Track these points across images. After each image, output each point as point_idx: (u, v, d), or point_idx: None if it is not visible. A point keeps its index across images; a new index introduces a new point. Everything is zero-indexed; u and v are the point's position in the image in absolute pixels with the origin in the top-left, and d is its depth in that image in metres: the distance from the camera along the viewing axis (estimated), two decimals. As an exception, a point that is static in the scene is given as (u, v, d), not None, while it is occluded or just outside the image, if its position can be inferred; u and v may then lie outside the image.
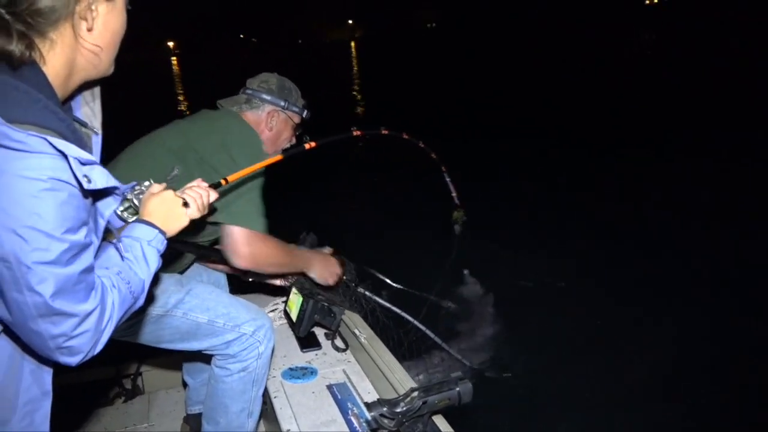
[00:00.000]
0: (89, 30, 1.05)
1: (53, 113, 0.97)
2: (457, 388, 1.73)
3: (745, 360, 3.60)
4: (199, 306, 1.95)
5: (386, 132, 2.40)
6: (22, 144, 0.87)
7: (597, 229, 5.74)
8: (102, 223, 1.07)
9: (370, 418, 1.74)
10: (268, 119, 2.21)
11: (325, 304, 2.56)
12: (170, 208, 1.29)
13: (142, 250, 1.18)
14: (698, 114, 10.27)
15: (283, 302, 2.87)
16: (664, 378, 3.49)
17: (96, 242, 1.06)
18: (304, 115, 2.31)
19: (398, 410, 1.64)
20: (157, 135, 2.10)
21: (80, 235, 0.97)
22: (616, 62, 21.15)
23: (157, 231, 1.22)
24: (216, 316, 1.96)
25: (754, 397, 3.28)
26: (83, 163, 0.94)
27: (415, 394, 1.71)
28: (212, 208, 1.66)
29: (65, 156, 0.91)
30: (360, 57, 48.70)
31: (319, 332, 2.78)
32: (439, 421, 1.89)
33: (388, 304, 2.84)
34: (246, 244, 1.94)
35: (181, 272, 2.13)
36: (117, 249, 1.14)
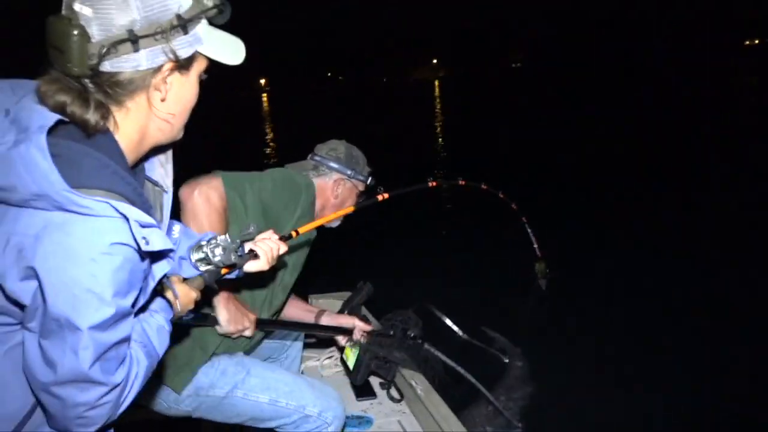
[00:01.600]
0: (162, 100, 1.10)
1: (121, 178, 1.01)
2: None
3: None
4: (259, 385, 1.95)
5: (464, 183, 2.39)
6: (87, 209, 0.91)
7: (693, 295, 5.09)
8: (151, 285, 1.08)
9: None
10: (335, 187, 2.23)
11: (381, 353, 2.54)
12: (185, 294, 1.32)
13: (168, 326, 1.20)
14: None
15: (340, 349, 2.89)
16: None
17: (141, 302, 1.07)
18: (368, 182, 2.32)
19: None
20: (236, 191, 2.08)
21: (128, 301, 0.99)
22: (715, 106, 20.08)
23: (172, 313, 1.25)
24: (278, 396, 1.95)
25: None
26: (143, 226, 0.97)
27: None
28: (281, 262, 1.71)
29: (126, 219, 0.95)
30: (442, 96, 49.01)
31: (374, 381, 2.77)
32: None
33: (453, 364, 2.71)
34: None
35: (247, 352, 2.15)
36: (142, 319, 1.14)
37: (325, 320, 2.51)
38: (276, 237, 1.49)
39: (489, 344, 3.06)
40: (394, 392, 2.71)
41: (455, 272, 5.88)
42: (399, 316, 2.69)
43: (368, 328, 2.51)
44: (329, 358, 2.91)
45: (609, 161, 11.71)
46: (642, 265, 5.75)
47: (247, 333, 1.94)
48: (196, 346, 1.94)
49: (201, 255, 1.38)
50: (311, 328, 2.44)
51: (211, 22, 1.11)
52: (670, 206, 7.82)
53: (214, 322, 1.89)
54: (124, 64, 1.01)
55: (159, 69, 1.06)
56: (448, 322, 3.01)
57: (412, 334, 2.61)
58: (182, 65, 1.09)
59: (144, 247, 0.97)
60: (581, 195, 9.12)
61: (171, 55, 1.05)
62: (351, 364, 2.61)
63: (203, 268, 1.40)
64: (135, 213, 0.96)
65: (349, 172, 2.24)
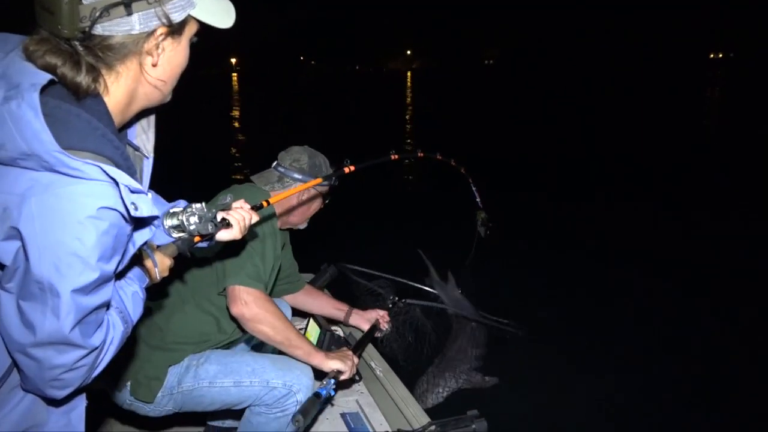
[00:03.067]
0: (154, 65, 1.09)
1: (109, 141, 1.00)
2: (473, 426, 1.74)
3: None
4: (221, 372, 2.02)
5: (422, 155, 2.50)
6: (77, 171, 0.90)
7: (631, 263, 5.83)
8: (131, 251, 1.07)
9: None
10: (299, 195, 2.29)
11: (341, 335, 2.60)
12: (159, 262, 1.32)
13: (142, 293, 1.20)
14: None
15: (300, 329, 2.91)
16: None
17: (120, 268, 1.06)
18: (334, 184, 2.37)
19: (415, 444, 1.66)
20: None
21: (111, 266, 0.98)
22: (673, 113, 20.74)
23: (147, 280, 1.25)
24: (241, 377, 2.01)
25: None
26: (132, 191, 0.97)
27: (433, 428, 1.73)
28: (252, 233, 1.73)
29: (116, 183, 0.94)
30: (414, 87, 49.14)
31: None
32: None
33: (436, 305, 3.00)
34: (244, 301, 1.96)
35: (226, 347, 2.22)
36: (118, 285, 1.14)
37: (355, 318, 2.69)
38: (248, 207, 1.51)
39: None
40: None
41: (409, 231, 6.60)
42: (369, 290, 2.96)
43: (385, 315, 2.71)
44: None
45: (567, 153, 12.48)
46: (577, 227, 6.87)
47: (356, 360, 2.14)
48: (163, 362, 2.00)
49: (175, 222, 1.38)
50: (362, 342, 2.51)
51: None
52: (618, 199, 8.44)
53: (339, 373, 2.05)
54: (117, 27, 1.00)
55: (152, 33, 1.04)
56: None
57: (395, 298, 2.88)
58: (175, 30, 1.08)
59: (133, 213, 0.96)
60: (528, 172, 10.47)
61: (164, 20, 1.04)
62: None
63: (176, 235, 1.39)
64: (125, 178, 0.95)
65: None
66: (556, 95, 31.64)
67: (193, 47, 1.18)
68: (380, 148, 2.27)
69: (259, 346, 2.36)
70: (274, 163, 2.34)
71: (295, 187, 1.99)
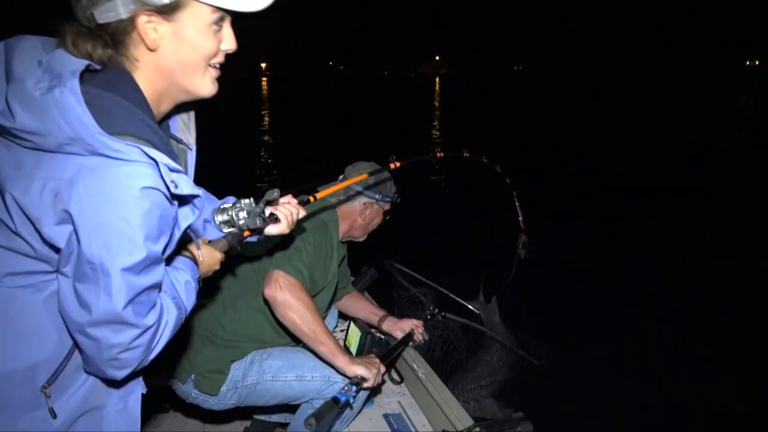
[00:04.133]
0: (151, 50, 1.07)
1: (148, 126, 1.02)
2: (519, 428, 1.73)
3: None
4: (284, 366, 2.07)
5: (467, 154, 2.49)
6: (119, 153, 0.92)
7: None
8: (177, 235, 1.08)
9: None
10: (363, 210, 2.33)
11: (383, 338, 2.60)
12: (210, 255, 1.33)
13: (195, 284, 1.22)
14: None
15: (342, 331, 2.93)
16: None
17: (169, 251, 1.08)
18: (395, 201, 2.42)
19: (461, 445, 1.65)
20: None
21: (159, 246, 1.00)
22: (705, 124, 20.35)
23: (199, 272, 1.27)
24: (303, 372, 2.06)
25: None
26: (171, 170, 0.99)
27: (477, 429, 1.72)
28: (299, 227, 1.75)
29: (156, 163, 0.96)
30: (443, 92, 49.09)
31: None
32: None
33: (474, 324, 2.84)
34: (279, 285, 1.96)
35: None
36: (170, 273, 1.16)
37: (388, 325, 2.62)
38: (295, 201, 1.52)
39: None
40: (394, 375, 2.76)
41: (448, 240, 6.50)
42: (411, 297, 2.85)
43: (420, 325, 2.63)
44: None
45: (603, 163, 12.08)
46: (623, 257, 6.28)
47: (382, 368, 2.06)
48: (226, 357, 2.06)
49: (225, 217, 1.39)
50: (392, 351, 2.49)
51: None
52: (659, 213, 8.09)
53: (363, 380, 1.97)
54: (107, 13, 1.01)
55: (135, 18, 1.03)
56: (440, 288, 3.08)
57: (435, 310, 2.76)
58: (164, 11, 1.04)
59: (173, 190, 0.99)
60: (567, 184, 9.96)
61: (139, 3, 1.01)
62: (354, 348, 2.67)
63: (227, 230, 1.41)
64: (164, 158, 0.97)
65: (377, 197, 2.33)
66: (587, 103, 31.25)
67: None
68: (413, 151, 2.27)
69: (384, 356, 2.34)
70: (341, 177, 2.36)
71: (339, 184, 1.94)
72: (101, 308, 0.96)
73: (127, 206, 0.93)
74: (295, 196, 1.55)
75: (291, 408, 2.20)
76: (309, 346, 2.01)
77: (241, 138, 17.03)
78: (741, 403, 3.63)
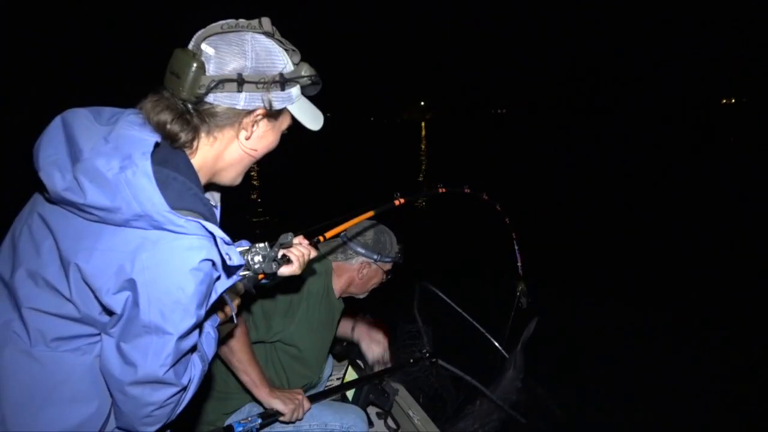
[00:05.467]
0: (247, 138, 1.23)
1: (200, 199, 1.12)
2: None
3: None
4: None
5: (468, 191, 2.49)
6: (181, 227, 1.01)
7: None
8: (214, 298, 1.14)
9: None
10: (360, 269, 2.34)
11: (380, 385, 2.58)
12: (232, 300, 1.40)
13: (214, 333, 1.28)
14: None
15: (338, 379, 2.90)
16: None
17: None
18: (397, 261, 2.41)
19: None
20: None
21: (203, 312, 1.08)
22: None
23: (218, 320, 1.33)
24: (301, 422, 2.08)
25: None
26: (226, 243, 1.08)
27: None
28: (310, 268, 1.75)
29: (213, 237, 1.05)
30: (428, 136, 49.78)
31: (371, 411, 2.78)
32: None
33: (467, 377, 2.74)
34: None
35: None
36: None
37: (357, 333, 2.66)
38: (306, 242, 1.57)
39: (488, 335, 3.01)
40: (390, 422, 2.71)
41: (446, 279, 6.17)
42: (408, 333, 2.82)
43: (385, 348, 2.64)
44: (328, 386, 2.90)
45: (592, 200, 12.18)
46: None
47: (306, 405, 2.08)
48: (218, 410, 2.11)
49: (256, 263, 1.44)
50: (359, 382, 2.56)
51: (303, 91, 1.26)
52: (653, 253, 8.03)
53: (277, 414, 2.01)
54: (225, 99, 1.15)
55: (252, 111, 1.19)
56: (455, 307, 2.99)
57: (426, 352, 2.71)
58: (272, 115, 1.22)
59: (228, 263, 1.07)
60: (554, 222, 9.87)
61: (266, 104, 1.18)
62: (350, 394, 2.64)
63: (242, 273, 1.43)
64: (219, 232, 1.06)
65: (375, 257, 2.33)
66: (569, 145, 31.79)
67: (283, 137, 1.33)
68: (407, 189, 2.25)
69: (314, 396, 2.34)
70: (343, 233, 2.35)
71: (347, 223, 1.91)
72: (147, 368, 1.03)
73: (185, 276, 1.01)
74: (306, 237, 1.61)
75: None
76: (236, 374, 2.03)
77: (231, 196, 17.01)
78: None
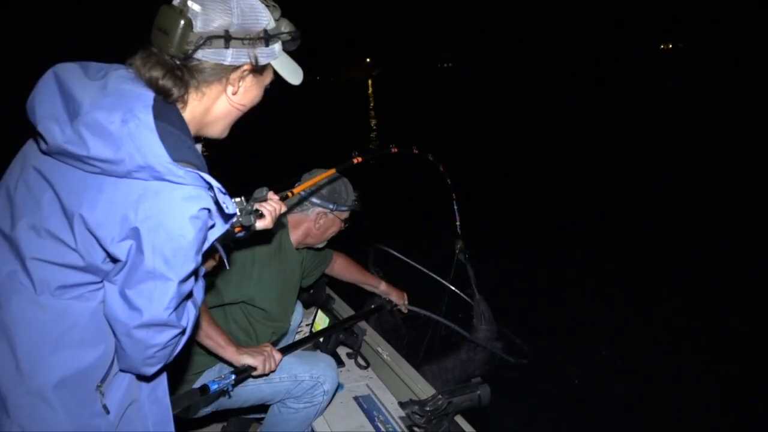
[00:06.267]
0: (234, 94, 1.27)
1: (194, 152, 1.15)
2: (478, 391, 1.93)
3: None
4: None
5: (416, 151, 2.69)
6: (180, 178, 1.05)
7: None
8: (206, 246, 1.19)
9: (403, 414, 1.95)
10: (316, 219, 2.39)
11: (353, 334, 2.81)
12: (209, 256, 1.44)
13: (202, 280, 1.31)
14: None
15: (308, 325, 3.10)
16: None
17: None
18: (354, 209, 2.49)
19: (427, 408, 1.84)
20: None
21: (200, 258, 1.13)
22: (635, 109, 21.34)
23: (204, 270, 1.36)
24: (271, 375, 2.14)
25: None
26: (222, 193, 1.13)
27: (441, 396, 1.91)
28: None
29: (211, 187, 1.11)
30: (376, 94, 49.45)
31: (342, 351, 3.00)
32: (461, 421, 2.09)
33: (436, 317, 3.11)
34: None
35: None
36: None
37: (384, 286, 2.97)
38: (276, 197, 1.60)
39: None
40: (360, 360, 2.94)
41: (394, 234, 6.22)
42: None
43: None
44: (298, 332, 3.09)
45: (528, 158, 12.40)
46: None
47: (277, 356, 2.14)
48: (196, 364, 2.16)
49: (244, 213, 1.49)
50: (345, 322, 2.77)
51: (283, 46, 1.30)
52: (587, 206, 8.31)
53: (251, 369, 2.07)
54: (213, 56, 1.18)
55: (239, 67, 1.23)
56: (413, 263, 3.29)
57: (386, 300, 2.99)
58: (257, 70, 1.26)
59: (226, 211, 1.14)
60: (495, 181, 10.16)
61: (252, 59, 1.22)
62: (321, 336, 2.84)
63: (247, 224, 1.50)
64: (217, 183, 1.12)
65: (331, 206, 2.39)
66: (514, 93, 32.20)
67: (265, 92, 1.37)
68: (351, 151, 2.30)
69: (286, 348, 2.45)
70: (296, 184, 2.40)
71: (314, 178, 2.05)
72: (152, 312, 1.08)
73: (185, 224, 1.06)
74: (275, 192, 1.65)
75: (266, 407, 2.32)
76: (200, 342, 2.07)
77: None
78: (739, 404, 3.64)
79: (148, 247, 1.05)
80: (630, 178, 9.60)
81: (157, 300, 1.08)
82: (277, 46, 1.28)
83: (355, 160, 2.15)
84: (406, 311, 3.03)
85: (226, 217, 1.19)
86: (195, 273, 1.15)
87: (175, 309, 1.12)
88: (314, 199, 2.38)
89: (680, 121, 16.63)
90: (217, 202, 1.13)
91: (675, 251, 6.05)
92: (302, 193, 2.37)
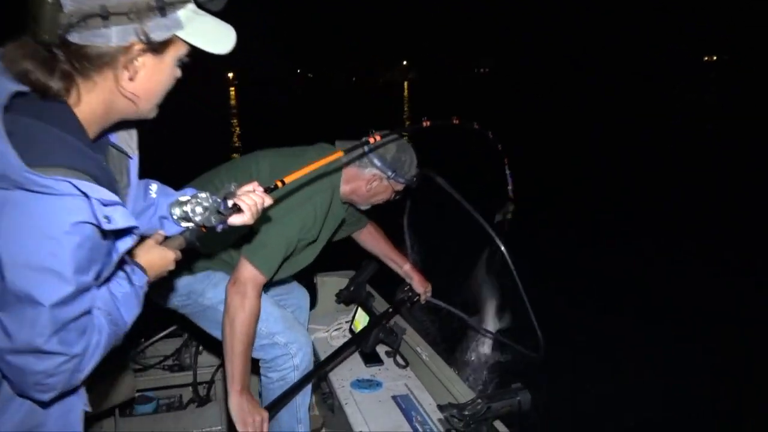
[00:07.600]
0: (130, 79, 1.08)
1: (81, 153, 1.00)
2: (518, 397, 1.92)
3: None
4: None
5: (457, 121, 2.38)
6: (47, 188, 0.91)
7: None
8: (115, 259, 1.08)
9: (441, 416, 1.93)
10: (370, 180, 2.26)
11: (388, 325, 2.80)
12: (161, 257, 1.31)
13: (139, 291, 1.20)
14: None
15: (347, 322, 3.11)
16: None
17: (105, 275, 1.08)
18: (411, 184, 2.36)
19: (466, 413, 1.83)
20: (255, 155, 2.29)
21: (90, 276, 1.00)
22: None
23: (146, 278, 1.24)
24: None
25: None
26: (105, 204, 0.97)
27: (480, 400, 1.89)
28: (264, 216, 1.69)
29: (88, 197, 0.95)
30: (411, 97, 49.46)
31: (381, 350, 2.99)
32: (500, 426, 2.08)
33: (456, 312, 3.03)
34: (243, 292, 1.98)
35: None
36: (109, 287, 1.14)
37: (408, 269, 2.89)
38: (261, 189, 1.45)
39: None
40: (399, 359, 2.93)
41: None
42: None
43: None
44: (338, 329, 3.10)
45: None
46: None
47: (265, 428, 2.04)
48: (200, 258, 2.14)
49: (182, 212, 1.38)
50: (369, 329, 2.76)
51: (202, 7, 1.11)
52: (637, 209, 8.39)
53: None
54: (94, 38, 1.00)
55: (129, 48, 1.04)
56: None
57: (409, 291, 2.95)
58: (155, 47, 1.07)
59: (105, 226, 0.97)
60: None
61: (142, 36, 1.03)
62: (363, 321, 2.85)
63: (184, 225, 1.39)
64: (96, 191, 0.96)
65: (389, 173, 2.26)
66: (553, 100, 31.84)
67: (186, 67, 1.17)
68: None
69: (328, 359, 2.44)
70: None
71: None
72: (23, 339, 0.96)
73: (56, 242, 0.93)
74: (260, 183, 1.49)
75: None
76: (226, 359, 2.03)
77: (212, 145, 16.96)
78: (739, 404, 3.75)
79: (10, 267, 0.92)
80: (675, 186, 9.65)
81: (28, 326, 0.95)
82: (181, 13, 1.07)
83: (371, 139, 1.96)
84: (423, 302, 2.94)
85: (127, 231, 1.05)
86: (84, 291, 1.01)
87: (55, 334, 0.97)
88: (375, 160, 2.24)
89: (722, 130, 16.48)
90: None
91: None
92: (366, 149, 2.23)
